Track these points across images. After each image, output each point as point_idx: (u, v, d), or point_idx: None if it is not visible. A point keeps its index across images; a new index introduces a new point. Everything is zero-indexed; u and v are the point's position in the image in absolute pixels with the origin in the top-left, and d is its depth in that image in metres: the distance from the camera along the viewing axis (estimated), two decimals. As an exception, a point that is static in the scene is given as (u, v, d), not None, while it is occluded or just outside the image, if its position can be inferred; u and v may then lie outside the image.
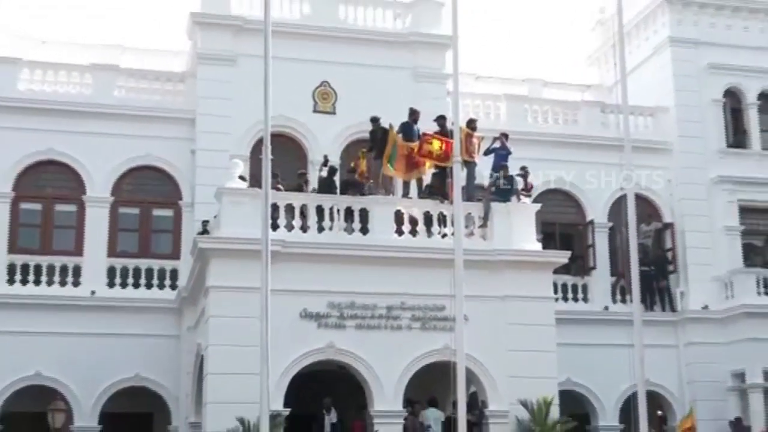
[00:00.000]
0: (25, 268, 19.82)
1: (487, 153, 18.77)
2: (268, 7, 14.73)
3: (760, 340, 20.96)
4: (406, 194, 18.63)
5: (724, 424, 21.16)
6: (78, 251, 20.29)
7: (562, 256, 18.43)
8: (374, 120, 18.18)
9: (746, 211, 23.34)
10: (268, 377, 13.24)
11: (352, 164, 18.46)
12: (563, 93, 25.74)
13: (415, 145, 17.50)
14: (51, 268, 19.92)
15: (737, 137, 24.00)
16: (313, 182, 18.94)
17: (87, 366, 19.07)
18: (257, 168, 15.99)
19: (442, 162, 17.46)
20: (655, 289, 21.81)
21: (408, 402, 16.57)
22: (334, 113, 21.26)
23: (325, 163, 19.25)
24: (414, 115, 18.11)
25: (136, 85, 21.75)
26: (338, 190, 18.25)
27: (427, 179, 18.54)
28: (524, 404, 16.42)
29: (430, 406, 16.50)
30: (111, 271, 20.24)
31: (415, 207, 17.53)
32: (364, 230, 16.93)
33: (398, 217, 17.23)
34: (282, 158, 16.58)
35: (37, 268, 19.84)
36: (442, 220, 17.10)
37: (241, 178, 17.31)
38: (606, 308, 21.86)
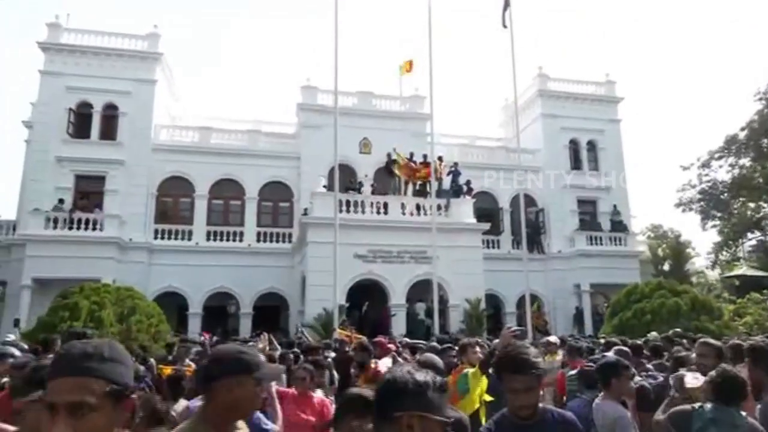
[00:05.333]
0: (215, 233, 19.82)
1: (448, 174, 18.62)
2: (336, 102, 14.82)
3: (587, 267, 20.74)
4: (405, 193, 18.49)
5: (571, 309, 21.01)
6: (241, 223, 20.23)
7: (486, 225, 18.26)
8: (389, 155, 18.37)
9: (580, 202, 22.72)
10: (336, 287, 13.36)
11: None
12: (487, 142, 25.34)
13: (413, 164, 17.69)
14: (228, 233, 19.90)
15: (576, 163, 23.40)
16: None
17: (247, 281, 19.12)
18: (332, 181, 15.92)
19: (425, 178, 17.42)
20: (534, 241, 21.49)
21: (407, 300, 16.56)
22: (370, 154, 20.95)
23: (362, 181, 19.18)
24: (411, 155, 18.10)
25: (271, 140, 21.56)
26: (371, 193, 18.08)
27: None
28: (467, 300, 16.42)
29: (419, 302, 16.46)
30: (258, 234, 20.16)
31: (412, 201, 17.44)
32: (386, 212, 16.87)
33: (402, 205, 17.17)
34: (343, 176, 16.49)
35: (221, 233, 19.84)
36: (425, 207, 16.99)
37: (324, 186, 17.27)
38: (509, 252, 21.56)
